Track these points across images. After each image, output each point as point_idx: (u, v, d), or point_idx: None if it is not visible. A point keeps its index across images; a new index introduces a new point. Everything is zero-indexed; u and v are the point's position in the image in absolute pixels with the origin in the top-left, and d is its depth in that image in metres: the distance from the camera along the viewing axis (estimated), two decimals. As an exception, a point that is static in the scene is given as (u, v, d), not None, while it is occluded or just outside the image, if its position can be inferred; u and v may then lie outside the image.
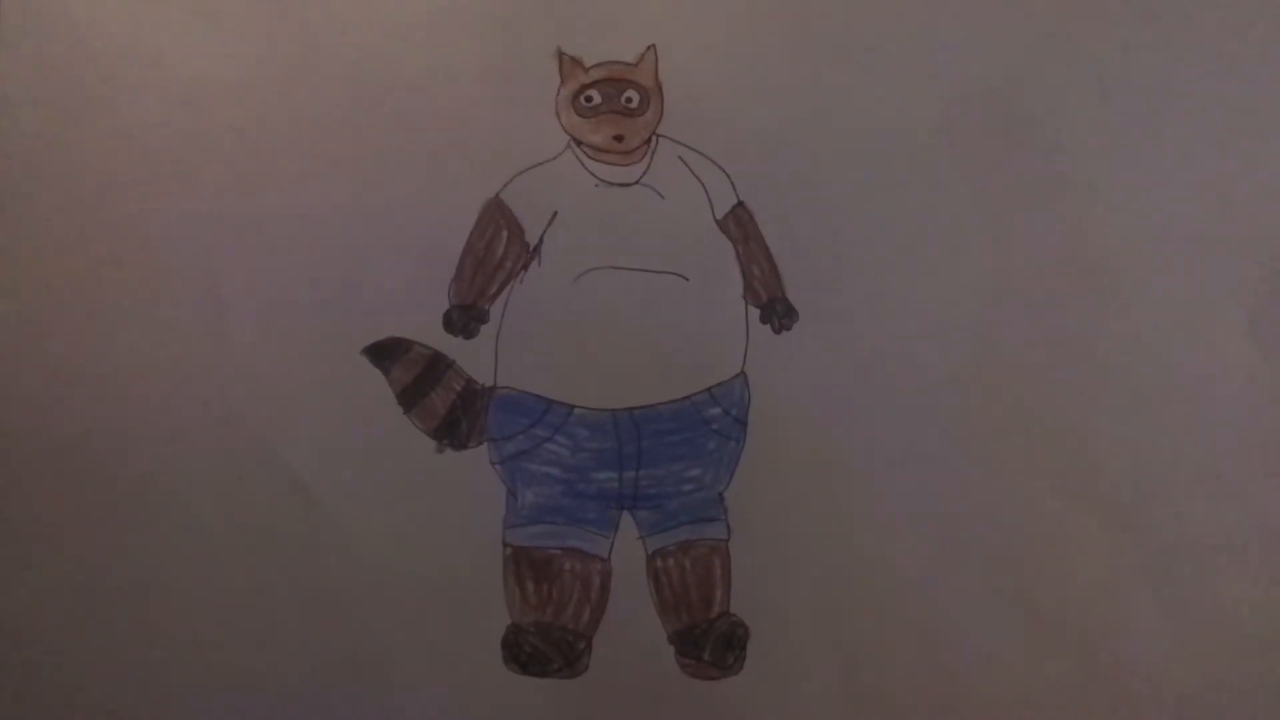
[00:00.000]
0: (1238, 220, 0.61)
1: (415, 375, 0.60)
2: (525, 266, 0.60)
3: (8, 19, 0.61)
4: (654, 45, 0.60)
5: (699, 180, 0.61)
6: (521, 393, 0.61)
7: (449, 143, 0.61)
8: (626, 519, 0.61)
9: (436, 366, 0.60)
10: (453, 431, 0.61)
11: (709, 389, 0.61)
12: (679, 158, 0.61)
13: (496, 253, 0.60)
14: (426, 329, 0.60)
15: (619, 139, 0.60)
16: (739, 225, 0.61)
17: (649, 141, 0.61)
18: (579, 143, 0.61)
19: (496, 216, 0.60)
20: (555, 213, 0.60)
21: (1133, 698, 0.60)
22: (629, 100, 0.60)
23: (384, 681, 0.60)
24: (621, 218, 0.61)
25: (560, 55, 0.61)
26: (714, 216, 0.61)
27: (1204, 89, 0.61)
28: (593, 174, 0.61)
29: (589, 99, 0.60)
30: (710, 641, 0.60)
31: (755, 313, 0.61)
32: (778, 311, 0.61)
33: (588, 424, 0.61)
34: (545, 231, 0.60)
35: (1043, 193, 0.61)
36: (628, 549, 0.61)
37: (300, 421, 0.61)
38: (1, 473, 0.61)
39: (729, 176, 0.61)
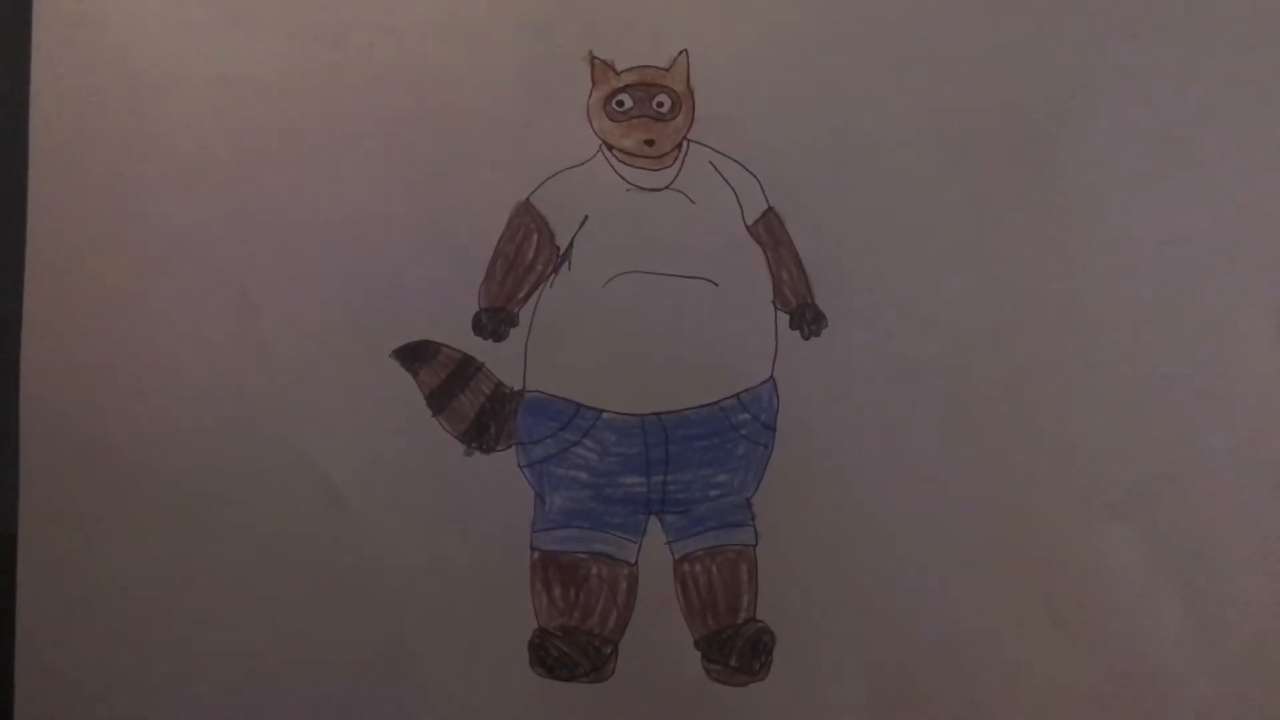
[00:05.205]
0: (1259, 227, 0.60)
1: (444, 378, 0.60)
2: (555, 270, 0.60)
3: (41, 23, 0.61)
4: (686, 50, 0.60)
5: (729, 185, 0.61)
6: (550, 396, 0.61)
7: (480, 146, 0.61)
8: (654, 524, 0.61)
9: (465, 369, 0.60)
10: (481, 435, 0.61)
11: (738, 394, 0.61)
12: (710, 163, 0.61)
13: (526, 256, 0.60)
14: (456, 332, 0.61)
15: (650, 143, 0.60)
16: (769, 231, 0.61)
17: (680, 146, 0.61)
18: (610, 147, 0.61)
19: (527, 220, 0.60)
20: (586, 216, 0.60)
21: (1158, 706, 0.60)
22: (660, 105, 0.60)
23: (411, 684, 0.60)
24: (652, 222, 0.61)
25: (592, 59, 0.61)
26: (744, 222, 0.61)
27: (1221, 95, 0.61)
28: (623, 178, 0.61)
29: (620, 103, 0.60)
30: (737, 647, 0.60)
31: (784, 318, 0.61)
32: (807, 317, 0.61)
33: (616, 428, 0.61)
34: (575, 235, 0.60)
35: (1074, 201, 0.61)
36: (655, 554, 0.61)
37: (329, 423, 0.61)
38: (34, 475, 0.61)
39: (759, 182, 0.61)
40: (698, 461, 0.61)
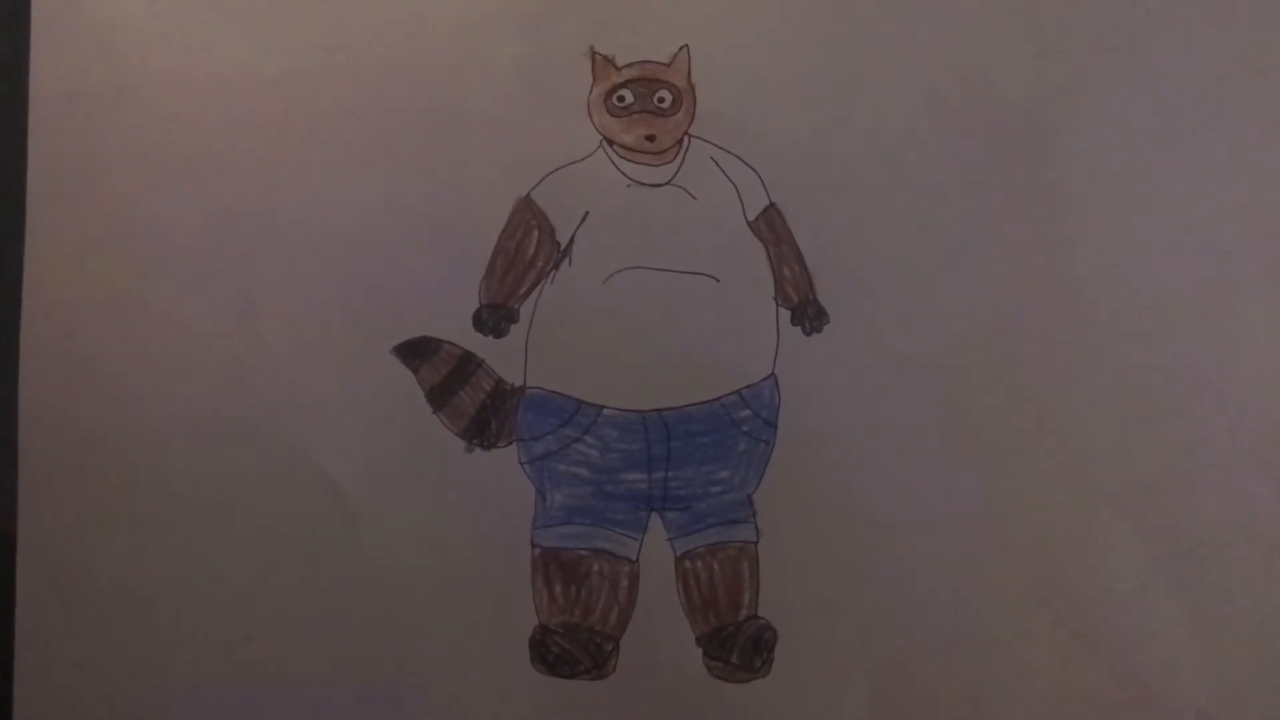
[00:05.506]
0: (1259, 227, 0.61)
1: (445, 374, 0.60)
2: (556, 266, 0.60)
3: (39, 16, 0.61)
4: (687, 45, 0.60)
5: (731, 181, 0.61)
6: (551, 393, 0.61)
7: (480, 141, 0.61)
8: (655, 521, 0.61)
9: (466, 366, 0.60)
10: (482, 431, 0.61)
11: (739, 391, 0.61)
12: (711, 158, 0.61)
13: (527, 252, 0.60)
14: (456, 328, 0.60)
15: (651, 139, 0.60)
16: (770, 227, 0.61)
17: (681, 142, 0.61)
18: (611, 142, 0.61)
19: (527, 216, 0.60)
20: (586, 212, 0.60)
21: (1160, 706, 0.60)
22: (661, 100, 0.60)
23: (411, 681, 0.60)
24: (653, 218, 0.61)
25: (593, 54, 0.61)
26: (745, 218, 0.61)
27: (1222, 95, 0.61)
28: (624, 174, 0.61)
29: (621, 99, 0.60)
30: (738, 644, 0.60)
31: (786, 315, 0.61)
32: (808, 314, 0.61)
33: (617, 425, 0.60)
34: (576, 231, 0.60)
35: (1075, 198, 0.61)
36: (656, 551, 0.61)
37: (329, 421, 0.60)
38: (33, 474, 0.61)
39: (761, 178, 0.61)
40: (699, 458, 0.61)
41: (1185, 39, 0.61)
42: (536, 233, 0.60)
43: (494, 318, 0.60)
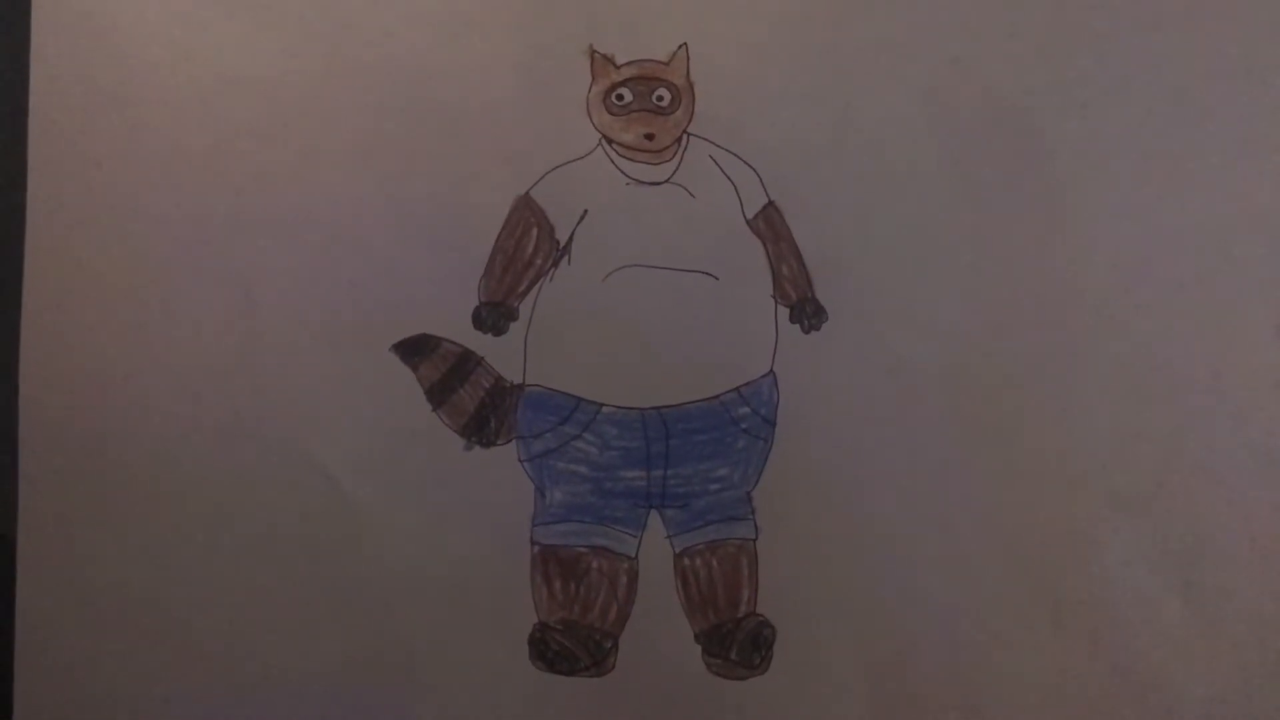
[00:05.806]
0: (1259, 227, 0.61)
1: (444, 372, 0.60)
2: (555, 264, 0.60)
3: (39, 20, 0.61)
4: (686, 44, 0.61)
5: (729, 179, 0.61)
6: (550, 390, 0.61)
7: (480, 140, 0.61)
8: (654, 518, 0.61)
9: (465, 364, 0.60)
10: (481, 429, 0.61)
11: (738, 388, 0.61)
12: (710, 157, 0.61)
13: (526, 250, 0.60)
14: (456, 326, 0.60)
15: (650, 137, 0.60)
16: (769, 225, 0.61)
17: (680, 140, 0.61)
18: (610, 141, 0.61)
19: (526, 214, 0.60)
20: (585, 211, 0.60)
21: (1159, 701, 0.60)
22: (660, 99, 0.60)
23: (410, 679, 0.60)
24: (652, 216, 0.61)
25: (592, 53, 0.61)
26: (744, 216, 0.61)
27: (1223, 95, 0.61)
28: (623, 172, 0.61)
29: (620, 97, 0.61)
30: (737, 641, 0.60)
31: (785, 312, 0.61)
32: (807, 311, 0.61)
33: (616, 422, 0.60)
34: (575, 229, 0.60)
35: (1074, 198, 0.61)
36: (655, 548, 0.61)
37: (329, 419, 0.61)
38: (34, 472, 0.61)
39: (759, 176, 0.61)
40: (698, 455, 0.61)
41: (1184, 38, 0.61)
42: (536, 231, 0.60)
43: (493, 315, 0.60)
